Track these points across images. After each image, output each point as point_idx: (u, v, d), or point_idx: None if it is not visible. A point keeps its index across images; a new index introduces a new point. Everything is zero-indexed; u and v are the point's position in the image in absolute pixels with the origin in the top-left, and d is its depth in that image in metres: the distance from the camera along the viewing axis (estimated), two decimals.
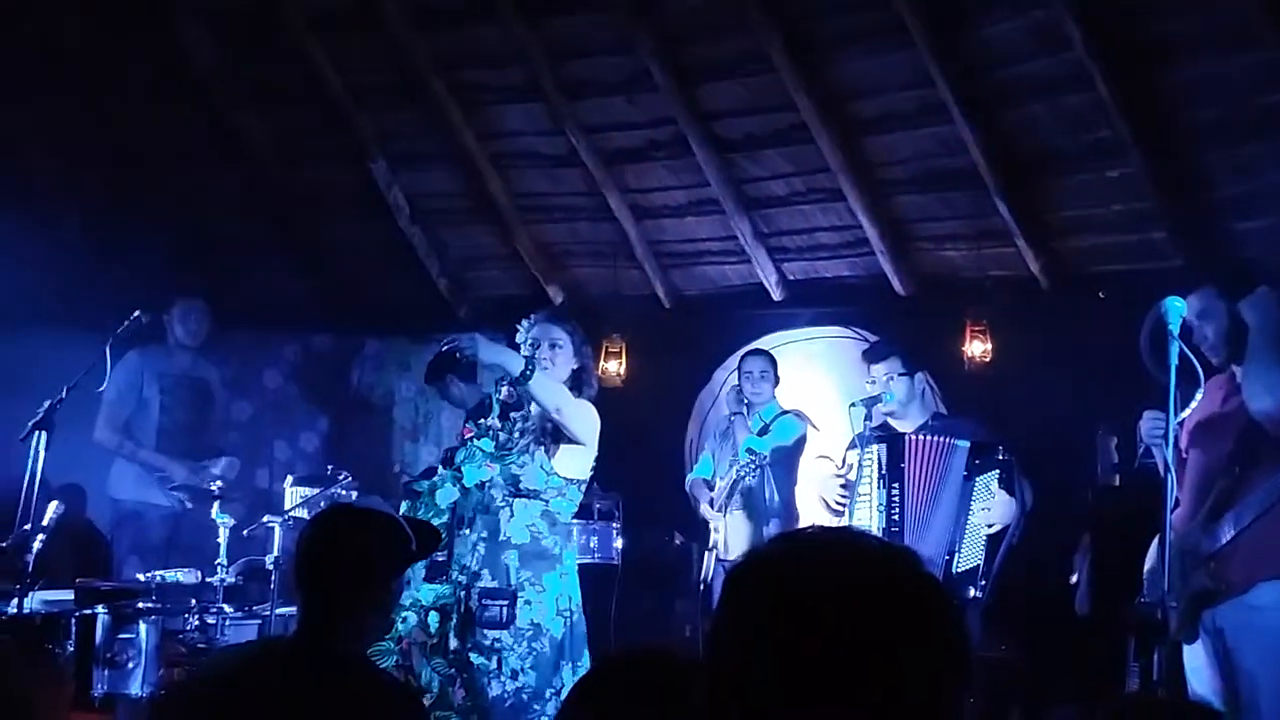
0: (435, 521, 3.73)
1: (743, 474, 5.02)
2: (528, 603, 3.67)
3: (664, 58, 5.74)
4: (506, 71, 6.16)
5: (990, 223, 5.62)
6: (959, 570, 4.15)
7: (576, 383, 3.90)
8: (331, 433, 7.31)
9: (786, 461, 5.27)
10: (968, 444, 4.25)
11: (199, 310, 5.81)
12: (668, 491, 5.90)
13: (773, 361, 5.52)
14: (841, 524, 4.33)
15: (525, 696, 3.58)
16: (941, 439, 4.31)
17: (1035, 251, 5.61)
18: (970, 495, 4.21)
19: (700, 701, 1.11)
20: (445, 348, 3.72)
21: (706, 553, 5.21)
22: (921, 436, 4.35)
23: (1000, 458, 4.22)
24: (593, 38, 5.87)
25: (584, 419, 3.80)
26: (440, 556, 3.79)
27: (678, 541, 5.91)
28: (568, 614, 3.72)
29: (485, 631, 3.60)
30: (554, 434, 3.79)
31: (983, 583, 4.15)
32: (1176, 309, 3.19)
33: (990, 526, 4.20)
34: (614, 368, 6.35)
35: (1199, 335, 3.39)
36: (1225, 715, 2.82)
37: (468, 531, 3.74)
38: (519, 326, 3.97)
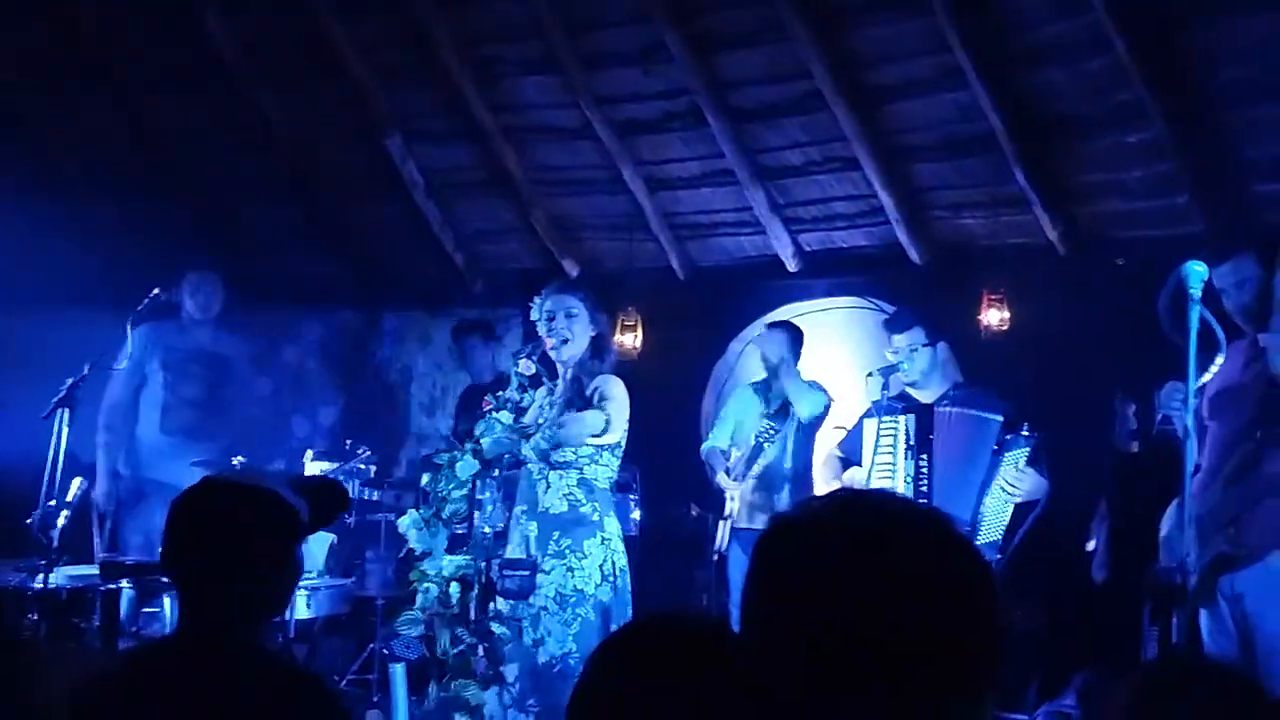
0: (456, 494, 3.78)
1: (763, 439, 4.98)
2: (570, 570, 3.74)
3: (679, 27, 5.71)
4: (521, 45, 6.14)
5: (1008, 190, 5.58)
6: (979, 544, 4.15)
7: (595, 351, 3.93)
8: (350, 407, 7.35)
9: (808, 432, 5.26)
10: (1000, 419, 4.23)
11: (211, 283, 5.65)
12: (684, 464, 5.90)
13: (792, 338, 5.46)
14: (855, 482, 4.34)
15: (572, 662, 3.64)
16: (973, 412, 4.29)
17: (1053, 218, 5.57)
18: (997, 469, 4.19)
19: (740, 670, 1.11)
20: None
21: (721, 521, 5.21)
22: (953, 409, 4.32)
23: (1027, 434, 4.21)
24: (608, 8, 5.83)
25: (617, 396, 3.84)
26: (460, 529, 3.84)
27: (694, 513, 5.92)
28: (613, 579, 3.79)
29: (505, 601, 3.65)
30: (583, 406, 3.83)
31: (999, 556, 4.15)
32: (1198, 273, 3.16)
33: (1014, 497, 4.20)
34: (629, 340, 6.35)
35: (1235, 302, 3.38)
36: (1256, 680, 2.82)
37: (489, 506, 3.79)
38: (532, 303, 4.01)
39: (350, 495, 5.41)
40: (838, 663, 1.04)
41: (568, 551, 3.77)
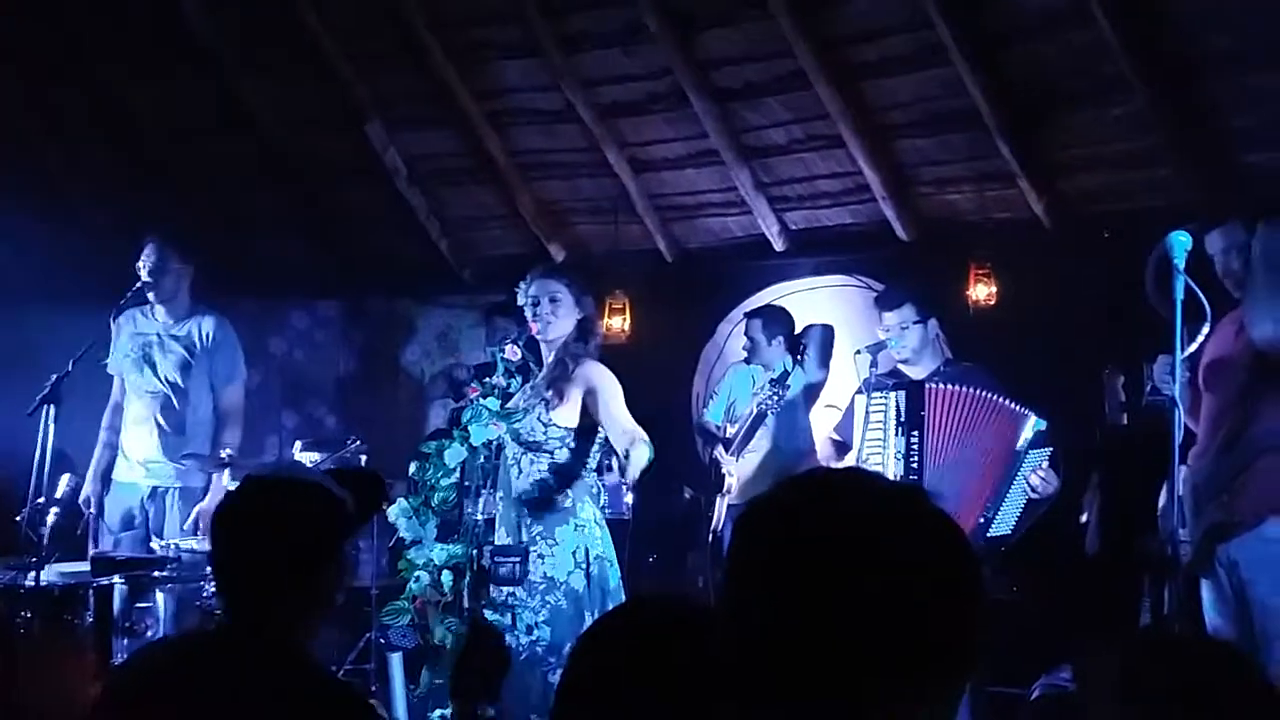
0: (444, 482, 3.77)
1: (763, 407, 4.85)
2: (540, 557, 3.68)
3: (660, 7, 5.68)
4: (501, 28, 6.10)
5: (992, 164, 5.57)
6: (990, 536, 4.14)
7: (581, 334, 3.91)
8: (338, 397, 7.33)
9: (806, 404, 5.25)
10: (1032, 416, 4.16)
11: (167, 257, 5.03)
12: (676, 446, 5.89)
13: (767, 320, 5.42)
14: (848, 464, 4.35)
15: (540, 650, 3.62)
16: (1006, 402, 4.22)
17: (1038, 192, 5.56)
18: (1019, 466, 4.16)
19: (715, 650, 1.11)
20: None
21: (719, 498, 5.17)
22: (952, 387, 4.30)
23: (1045, 430, 4.17)
24: None
25: (607, 392, 3.82)
26: (450, 516, 3.83)
27: (687, 495, 5.92)
28: (585, 565, 3.72)
29: (498, 588, 3.63)
30: (566, 387, 3.80)
31: (1002, 549, 4.15)
32: (1181, 243, 3.17)
33: (1031, 494, 4.18)
34: (618, 324, 6.34)
35: (1226, 269, 3.38)
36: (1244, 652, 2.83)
37: (477, 492, 3.78)
38: (517, 288, 3.99)
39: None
40: (807, 641, 1.04)
41: (539, 538, 3.71)
